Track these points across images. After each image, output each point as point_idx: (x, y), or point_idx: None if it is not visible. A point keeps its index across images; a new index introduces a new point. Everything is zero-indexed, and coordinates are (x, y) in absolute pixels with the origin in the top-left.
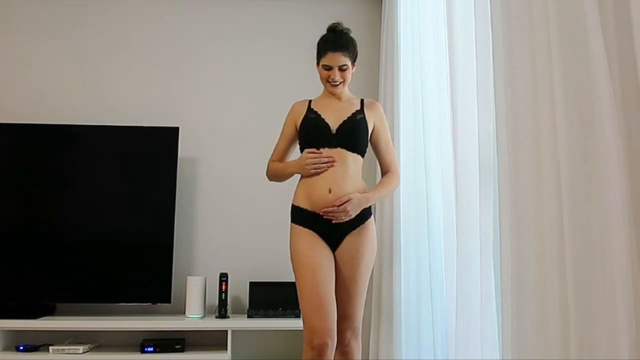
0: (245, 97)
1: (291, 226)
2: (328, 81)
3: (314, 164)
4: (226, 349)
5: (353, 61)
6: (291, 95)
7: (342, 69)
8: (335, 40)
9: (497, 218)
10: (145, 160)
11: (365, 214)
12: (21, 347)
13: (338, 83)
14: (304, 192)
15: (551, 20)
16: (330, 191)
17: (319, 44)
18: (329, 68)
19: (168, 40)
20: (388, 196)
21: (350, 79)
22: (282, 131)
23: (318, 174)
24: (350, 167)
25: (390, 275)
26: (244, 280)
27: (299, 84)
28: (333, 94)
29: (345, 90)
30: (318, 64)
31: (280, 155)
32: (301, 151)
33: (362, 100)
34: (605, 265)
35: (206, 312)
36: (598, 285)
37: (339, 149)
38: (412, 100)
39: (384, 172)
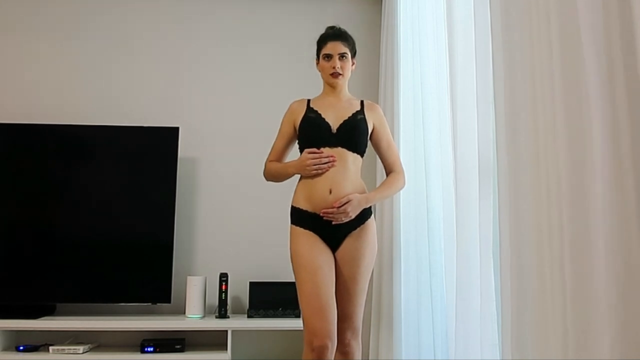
0: (246, 97)
1: (291, 228)
2: (330, 74)
3: (315, 164)
4: (226, 349)
5: (352, 55)
6: (291, 96)
7: (341, 57)
8: (335, 32)
9: (497, 218)
10: (145, 160)
11: (365, 215)
12: (21, 347)
13: (339, 72)
14: (304, 193)
15: (551, 20)
16: (330, 192)
17: (318, 40)
18: (329, 57)
19: (168, 41)
20: (392, 196)
21: (349, 74)
22: (279, 130)
23: (319, 174)
24: (350, 167)
25: (390, 275)
26: (244, 280)
27: (299, 84)
28: (333, 87)
29: (345, 90)
30: (318, 60)
31: (279, 154)
32: (300, 151)
33: (361, 102)
34: (605, 265)
35: (206, 312)
36: (598, 284)
37: (339, 148)
38: (412, 100)
39: (388, 172)
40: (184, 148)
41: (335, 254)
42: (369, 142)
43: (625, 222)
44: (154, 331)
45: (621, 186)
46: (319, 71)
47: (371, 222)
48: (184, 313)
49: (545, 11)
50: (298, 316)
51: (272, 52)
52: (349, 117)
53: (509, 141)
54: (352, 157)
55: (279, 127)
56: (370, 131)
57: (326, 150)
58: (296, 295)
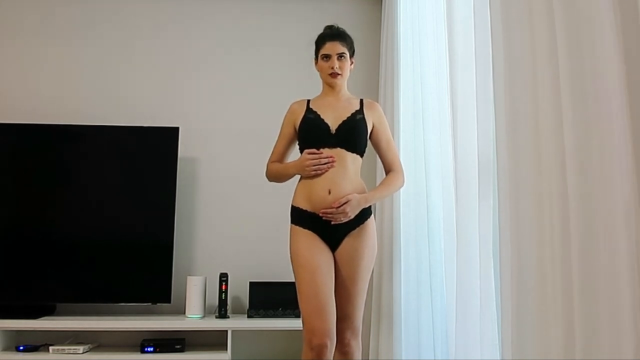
0: (246, 97)
1: (291, 227)
2: (329, 74)
3: (314, 165)
4: (226, 349)
5: (351, 55)
6: (291, 95)
7: (340, 57)
8: (333, 32)
9: (497, 218)
10: (145, 160)
11: (364, 214)
12: (21, 347)
13: (337, 72)
14: (304, 193)
15: (551, 19)
16: (329, 192)
17: (317, 40)
18: (327, 57)
19: (168, 41)
20: (390, 195)
21: (348, 74)
22: (280, 132)
23: (318, 175)
24: (349, 167)
25: (390, 275)
26: (244, 280)
27: (299, 84)
28: (332, 87)
29: (344, 90)
30: (316, 60)
31: (280, 155)
32: (301, 151)
33: (361, 101)
34: (607, 264)
35: (206, 312)
36: (600, 285)
37: (338, 149)
38: (412, 100)
39: (387, 172)
40: (184, 148)
41: (335, 253)
42: (368, 141)
43: (629, 220)
44: (154, 331)
45: (624, 184)
46: (318, 71)
47: (371, 221)
48: (184, 313)
49: (545, 11)
50: (298, 316)
51: (272, 52)
52: (348, 117)
53: (509, 141)
54: (351, 157)
55: (279, 127)
56: (369, 130)
57: (325, 151)
58: (296, 295)
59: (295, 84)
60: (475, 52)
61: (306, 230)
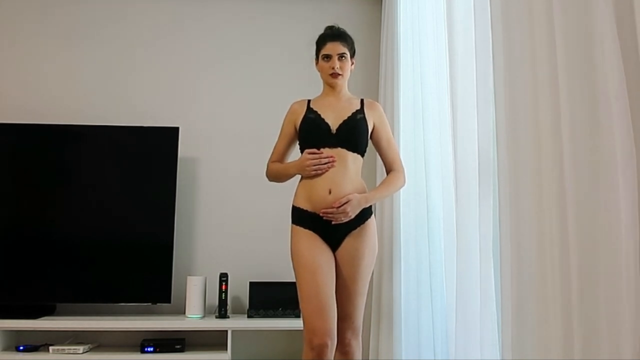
0: (246, 97)
1: (292, 227)
2: (330, 75)
3: (315, 165)
4: (226, 349)
5: (352, 55)
6: (291, 96)
7: (341, 58)
8: (333, 32)
9: (497, 218)
10: (145, 160)
11: (365, 214)
12: (21, 347)
13: (338, 72)
14: (304, 192)
15: (551, 19)
16: (330, 192)
17: (317, 40)
18: (328, 57)
19: (168, 41)
20: (391, 195)
21: (349, 74)
22: (281, 131)
23: (319, 175)
24: (350, 167)
25: (390, 275)
26: (244, 280)
27: (299, 84)
28: (333, 87)
29: (345, 90)
30: (317, 60)
31: (280, 155)
32: (301, 151)
33: (361, 101)
34: (607, 264)
35: (206, 312)
36: (600, 285)
37: (339, 148)
38: (412, 100)
39: (388, 171)
40: (184, 148)
41: (336, 253)
42: (369, 141)
43: (629, 220)
44: (154, 331)
45: (624, 185)
46: (318, 71)
47: (371, 221)
48: (184, 313)
49: (545, 11)
50: (298, 316)
51: (272, 52)
52: (349, 117)
53: (509, 141)
54: (352, 157)
55: (279, 127)
56: (370, 130)
57: (326, 151)
58: (296, 295)
59: (295, 84)
60: (475, 52)
61: (307, 230)
